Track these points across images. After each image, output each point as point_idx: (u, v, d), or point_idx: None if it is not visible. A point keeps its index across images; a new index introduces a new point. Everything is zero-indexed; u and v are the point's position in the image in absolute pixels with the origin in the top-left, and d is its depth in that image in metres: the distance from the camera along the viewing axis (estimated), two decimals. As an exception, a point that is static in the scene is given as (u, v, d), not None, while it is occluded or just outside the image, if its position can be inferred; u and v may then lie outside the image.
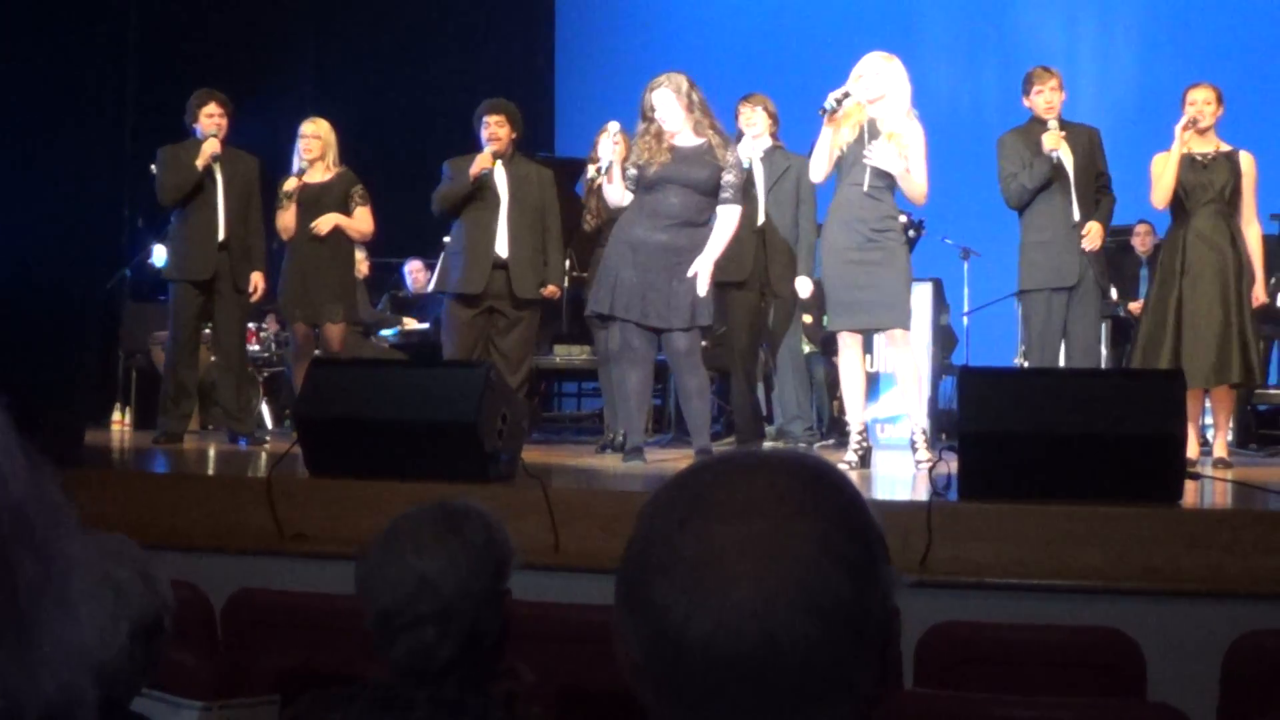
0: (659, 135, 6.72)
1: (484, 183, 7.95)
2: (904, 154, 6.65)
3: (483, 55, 13.02)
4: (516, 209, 8.01)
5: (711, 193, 6.75)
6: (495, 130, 8.00)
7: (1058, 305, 7.23)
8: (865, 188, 6.68)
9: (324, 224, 8.22)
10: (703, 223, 6.75)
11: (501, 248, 7.97)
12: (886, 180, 6.69)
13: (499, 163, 8.00)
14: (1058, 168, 7.16)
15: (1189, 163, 7.05)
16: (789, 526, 1.05)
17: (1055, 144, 7.13)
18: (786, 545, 1.04)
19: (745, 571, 1.03)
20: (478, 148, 8.08)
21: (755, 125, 7.99)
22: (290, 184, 8.22)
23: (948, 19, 13.11)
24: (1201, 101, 7.09)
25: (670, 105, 6.71)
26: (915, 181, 6.71)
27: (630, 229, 6.76)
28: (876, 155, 6.65)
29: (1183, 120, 7.03)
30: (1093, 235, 7.19)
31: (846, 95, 6.63)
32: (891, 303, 6.70)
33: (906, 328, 6.81)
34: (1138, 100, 11.59)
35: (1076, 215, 7.21)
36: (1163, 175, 7.07)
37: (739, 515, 1.06)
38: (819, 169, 6.78)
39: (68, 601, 0.88)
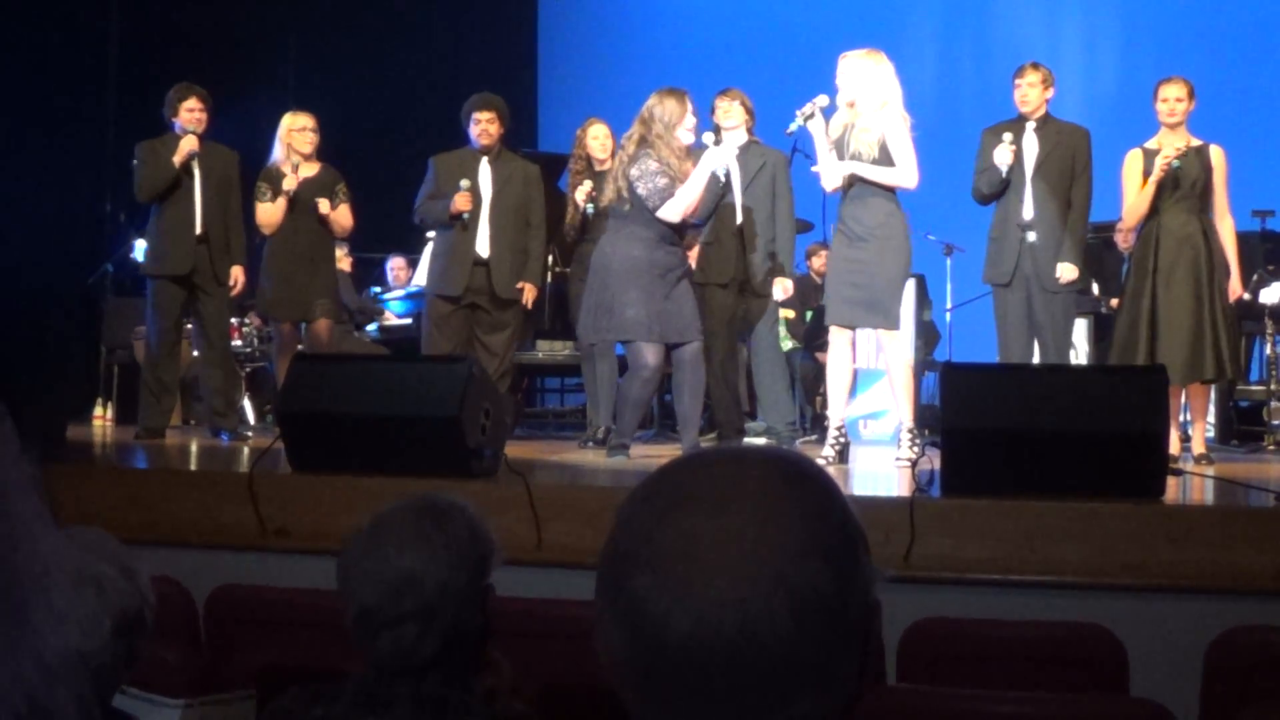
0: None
1: (469, 180, 7.94)
2: (877, 145, 6.69)
3: (465, 50, 13.01)
4: (499, 207, 7.99)
5: None
6: (486, 128, 7.99)
7: (1007, 300, 7.35)
8: (852, 188, 6.76)
9: (324, 205, 8.22)
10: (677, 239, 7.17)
11: (483, 247, 7.96)
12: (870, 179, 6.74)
13: (485, 160, 7.99)
14: (1014, 167, 7.23)
15: (1159, 159, 7.07)
16: (768, 520, 1.05)
17: (1004, 159, 7.20)
18: (765, 539, 1.04)
19: (724, 565, 1.03)
20: (466, 143, 8.07)
21: (732, 117, 7.93)
22: (289, 181, 8.17)
23: (928, 15, 13.12)
24: (1174, 99, 7.13)
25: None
26: (891, 172, 6.75)
27: (631, 250, 6.92)
28: (825, 175, 6.81)
29: (1157, 171, 7.04)
30: (1063, 276, 7.23)
31: (814, 107, 6.84)
32: (880, 304, 6.75)
33: (894, 329, 6.83)
34: (1119, 97, 11.59)
35: (1027, 215, 7.25)
36: (1136, 205, 7.14)
37: (718, 509, 1.05)
38: (827, 179, 6.85)
39: (23, 613, 0.86)
